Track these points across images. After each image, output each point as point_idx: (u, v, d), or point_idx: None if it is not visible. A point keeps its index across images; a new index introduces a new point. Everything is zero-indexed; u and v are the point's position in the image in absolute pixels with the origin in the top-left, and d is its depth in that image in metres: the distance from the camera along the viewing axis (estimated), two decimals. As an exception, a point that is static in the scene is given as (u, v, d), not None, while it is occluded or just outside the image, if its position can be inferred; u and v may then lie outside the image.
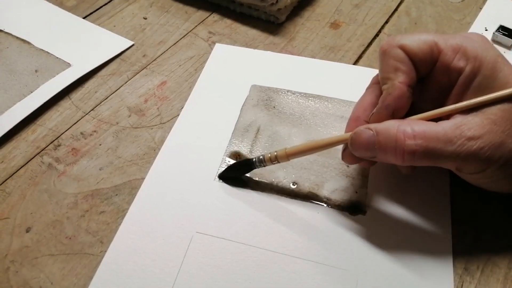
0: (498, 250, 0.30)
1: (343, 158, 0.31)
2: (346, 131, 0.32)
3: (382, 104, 0.29)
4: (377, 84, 0.31)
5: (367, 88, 0.33)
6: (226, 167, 0.34)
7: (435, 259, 0.30)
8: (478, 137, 0.26)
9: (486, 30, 0.46)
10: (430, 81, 0.30)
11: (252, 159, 0.32)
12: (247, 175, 0.34)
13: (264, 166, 0.32)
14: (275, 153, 0.31)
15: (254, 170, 0.33)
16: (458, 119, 0.27)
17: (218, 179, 0.34)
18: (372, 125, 0.28)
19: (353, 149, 0.29)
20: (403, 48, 0.29)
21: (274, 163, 0.32)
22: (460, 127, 0.26)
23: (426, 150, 0.26)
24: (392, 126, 0.27)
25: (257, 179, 0.34)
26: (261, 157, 0.32)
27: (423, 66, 0.29)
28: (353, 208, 0.32)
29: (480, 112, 0.27)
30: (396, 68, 0.29)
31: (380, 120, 0.29)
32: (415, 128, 0.27)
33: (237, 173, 0.34)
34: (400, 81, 0.28)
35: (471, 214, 0.32)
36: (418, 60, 0.29)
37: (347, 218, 0.32)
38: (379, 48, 0.30)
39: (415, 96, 0.30)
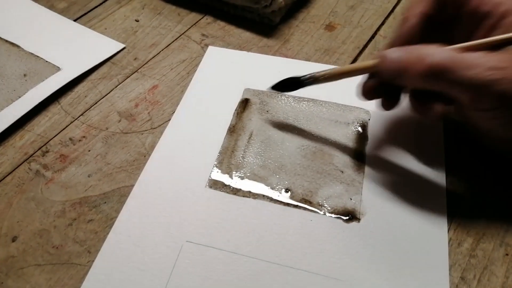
0: (495, 258, 0.30)
1: (362, 90, 0.33)
2: None
3: (397, 32, 0.32)
4: None
5: None
6: (279, 81, 0.36)
7: (431, 268, 0.29)
8: (498, 68, 0.26)
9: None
10: (458, 23, 0.31)
11: (300, 77, 0.34)
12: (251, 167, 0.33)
13: (316, 83, 0.34)
14: (324, 72, 0.33)
15: (245, 173, 0.33)
16: (482, 53, 0.27)
17: (269, 88, 0.36)
18: (402, 47, 0.30)
19: (381, 68, 0.30)
20: None
21: (323, 82, 0.34)
22: (483, 58, 0.27)
23: (442, 68, 0.27)
24: (418, 47, 0.29)
25: (249, 186, 0.33)
26: (312, 74, 0.34)
27: (451, 4, 0.31)
28: (347, 215, 0.31)
29: (506, 49, 0.27)
30: (419, 1, 0.31)
31: (393, 46, 0.31)
32: (438, 50, 0.28)
33: (287, 88, 0.36)
34: (419, 11, 0.31)
35: (467, 222, 0.31)
36: None
37: (341, 226, 0.31)
38: None
39: (444, 37, 0.31)
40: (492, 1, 0.29)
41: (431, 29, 0.31)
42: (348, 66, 0.33)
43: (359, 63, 0.33)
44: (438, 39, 0.30)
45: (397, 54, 0.29)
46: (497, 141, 0.32)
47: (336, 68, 0.33)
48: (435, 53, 0.28)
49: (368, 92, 0.32)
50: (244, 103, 0.39)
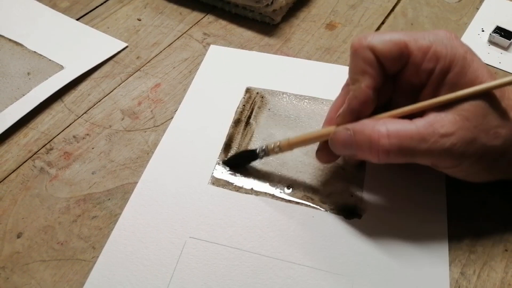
0: (494, 254, 0.30)
1: (317, 157, 0.32)
2: None
3: (348, 106, 0.29)
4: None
5: (342, 88, 0.33)
6: (231, 155, 0.35)
7: (431, 263, 0.29)
8: (450, 133, 0.27)
9: (483, 31, 0.46)
10: (402, 79, 0.30)
11: (256, 149, 0.33)
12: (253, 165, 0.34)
13: (268, 156, 0.33)
14: (278, 143, 0.32)
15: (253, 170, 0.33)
16: (431, 117, 0.27)
17: (222, 165, 0.34)
18: (350, 125, 0.29)
19: (333, 148, 0.30)
20: (372, 49, 0.29)
21: (277, 153, 0.32)
22: (433, 125, 0.27)
23: (400, 149, 0.27)
24: (368, 126, 0.28)
25: (251, 184, 0.33)
26: (264, 147, 0.32)
27: (392, 66, 0.29)
28: (348, 211, 0.32)
29: (452, 109, 0.27)
30: (364, 71, 0.29)
31: (345, 121, 0.30)
32: (389, 127, 0.27)
33: (241, 163, 0.34)
34: (366, 85, 0.29)
35: (467, 218, 0.32)
36: (387, 61, 0.29)
37: (342, 222, 0.31)
38: (350, 45, 0.30)
39: (390, 91, 0.31)
40: (433, 57, 0.28)
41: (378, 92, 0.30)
42: (298, 137, 0.31)
43: (311, 133, 0.31)
44: (383, 95, 0.30)
45: (346, 134, 0.29)
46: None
47: (286, 139, 0.32)
48: (389, 133, 0.27)
49: (324, 161, 0.32)
50: (246, 101, 0.39)
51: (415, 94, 0.30)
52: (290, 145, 0.31)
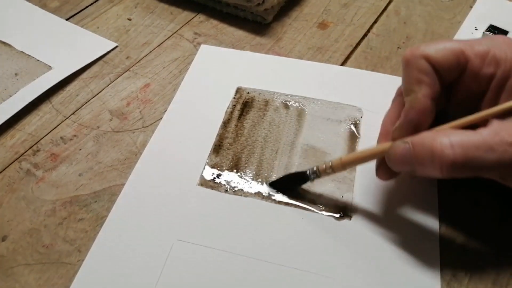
0: (486, 256, 0.29)
1: (377, 175, 0.31)
2: None
3: (405, 118, 0.28)
4: (402, 96, 0.30)
5: (393, 101, 0.32)
6: (278, 178, 0.33)
7: (422, 266, 0.29)
8: None
9: (476, 29, 0.46)
10: (459, 87, 0.29)
11: (306, 171, 0.31)
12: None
13: (319, 177, 0.31)
14: (330, 163, 0.30)
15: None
16: (495, 125, 0.26)
17: (269, 187, 0.33)
18: (408, 138, 0.27)
19: (391, 164, 0.28)
20: (427, 58, 0.28)
21: (329, 174, 0.31)
22: (500, 133, 0.25)
23: (466, 160, 0.25)
24: (428, 137, 0.26)
25: (241, 185, 0.33)
26: (314, 168, 0.31)
27: (449, 75, 0.28)
28: (338, 213, 0.31)
29: None
30: (420, 80, 0.28)
31: (403, 134, 0.28)
32: (452, 138, 0.25)
33: (290, 186, 0.33)
34: (423, 94, 0.27)
35: (459, 220, 0.31)
36: (444, 70, 0.28)
37: (332, 223, 0.31)
38: (402, 57, 0.29)
39: (444, 101, 0.29)
40: (493, 61, 0.27)
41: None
42: (351, 156, 0.30)
43: (365, 151, 0.30)
44: (438, 105, 0.29)
45: (404, 148, 0.27)
46: None
47: (338, 158, 0.30)
48: (453, 144, 0.25)
49: (385, 178, 0.31)
50: (237, 101, 0.39)
51: (473, 103, 0.28)
52: (343, 165, 0.30)
